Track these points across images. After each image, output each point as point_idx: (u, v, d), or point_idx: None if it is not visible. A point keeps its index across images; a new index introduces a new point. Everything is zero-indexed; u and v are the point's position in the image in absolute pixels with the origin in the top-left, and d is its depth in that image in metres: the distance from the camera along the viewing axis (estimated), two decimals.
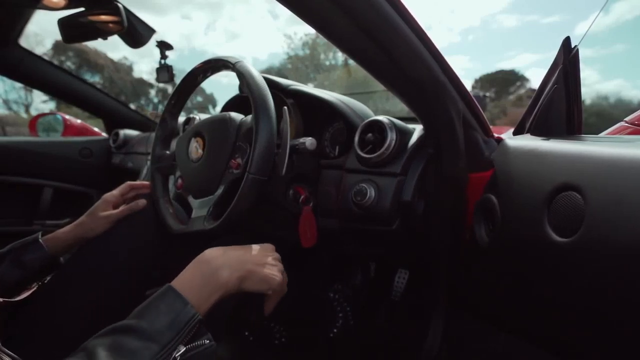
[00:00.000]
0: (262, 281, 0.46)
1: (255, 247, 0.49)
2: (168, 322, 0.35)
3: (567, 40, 0.51)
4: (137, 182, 0.73)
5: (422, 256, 0.82)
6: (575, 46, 0.51)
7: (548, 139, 0.47)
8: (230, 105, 0.89)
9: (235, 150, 0.60)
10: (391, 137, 0.63)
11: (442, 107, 0.57)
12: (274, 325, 0.96)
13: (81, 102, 1.49)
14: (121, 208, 0.68)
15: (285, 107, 0.59)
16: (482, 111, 0.65)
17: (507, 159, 0.48)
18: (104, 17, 0.82)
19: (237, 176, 0.57)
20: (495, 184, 0.50)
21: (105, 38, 0.84)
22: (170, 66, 1.09)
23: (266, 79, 0.65)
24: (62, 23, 0.84)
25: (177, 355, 0.33)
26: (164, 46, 1.08)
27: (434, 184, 0.68)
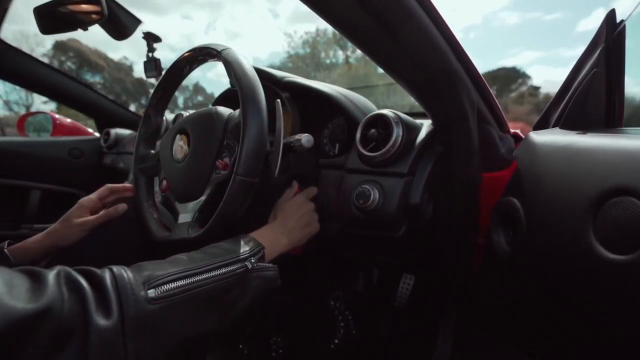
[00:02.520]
0: (306, 237, 0.58)
1: (298, 210, 0.58)
2: (240, 246, 0.44)
3: (611, 14, 0.43)
4: (118, 185, 0.67)
5: (430, 262, 0.76)
6: (622, 21, 0.43)
7: (585, 133, 0.40)
8: (221, 100, 0.83)
9: (223, 148, 0.53)
10: (397, 132, 0.57)
11: (454, 98, 0.51)
12: (270, 336, 0.90)
13: (69, 100, 1.42)
14: (99, 214, 0.62)
15: (278, 100, 0.52)
16: (498, 103, 0.58)
17: (535, 157, 0.41)
18: (83, 6, 0.75)
19: (225, 178, 0.51)
20: (518, 185, 0.43)
21: (85, 29, 0.78)
22: (158, 59, 1.03)
23: (258, 70, 0.58)
24: (39, 13, 0.78)
25: (252, 260, 0.43)
26: (151, 38, 1.01)
27: (444, 184, 0.62)
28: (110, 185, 0.66)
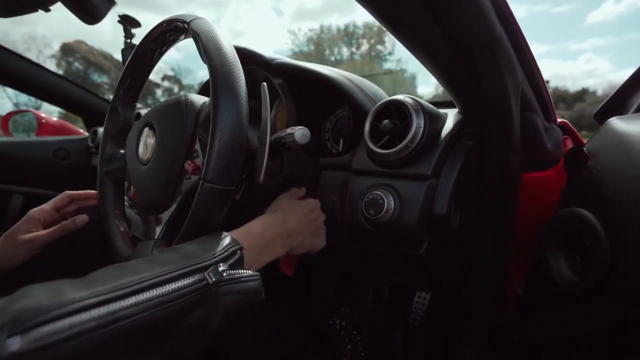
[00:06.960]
0: (306, 249, 0.48)
1: (308, 213, 0.48)
2: (206, 248, 0.34)
3: None
4: (80, 192, 0.56)
5: (453, 282, 0.64)
6: None
7: None
8: (207, 89, 0.71)
9: (195, 147, 0.42)
10: (417, 123, 0.45)
11: (495, 77, 0.39)
12: None
13: (53, 97, 1.33)
14: (53, 227, 0.51)
15: (264, 84, 0.40)
16: (547, 85, 0.46)
17: (630, 153, 0.29)
18: None
19: (195, 184, 0.40)
20: (591, 191, 0.31)
21: (46, 9, 0.67)
22: (136, 46, 0.92)
23: (242, 49, 0.47)
24: None
25: (221, 268, 0.32)
26: (128, 22, 0.90)
27: (474, 188, 0.50)
28: (70, 192, 0.56)
